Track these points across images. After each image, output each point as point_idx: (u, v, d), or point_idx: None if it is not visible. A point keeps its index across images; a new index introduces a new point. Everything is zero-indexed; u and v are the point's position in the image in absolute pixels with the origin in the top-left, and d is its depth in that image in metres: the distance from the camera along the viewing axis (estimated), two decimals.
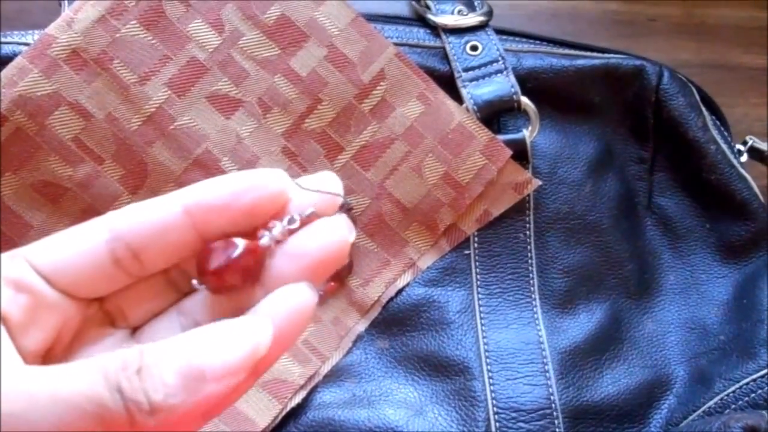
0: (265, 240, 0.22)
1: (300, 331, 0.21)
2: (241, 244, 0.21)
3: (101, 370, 0.19)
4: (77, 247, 0.21)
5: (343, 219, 0.22)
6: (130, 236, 0.21)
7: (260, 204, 0.22)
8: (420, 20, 0.42)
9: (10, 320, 0.21)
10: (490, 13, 0.42)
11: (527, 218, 0.41)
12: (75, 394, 0.18)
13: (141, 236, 0.21)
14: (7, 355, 0.20)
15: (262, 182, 0.22)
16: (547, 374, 0.38)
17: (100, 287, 0.22)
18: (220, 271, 0.21)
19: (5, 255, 0.21)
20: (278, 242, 0.22)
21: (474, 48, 0.41)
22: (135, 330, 0.23)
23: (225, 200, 0.22)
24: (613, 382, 0.39)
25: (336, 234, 0.22)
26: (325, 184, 0.23)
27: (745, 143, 0.44)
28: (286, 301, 0.21)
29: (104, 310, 0.23)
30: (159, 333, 0.23)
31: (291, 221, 0.22)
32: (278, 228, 0.22)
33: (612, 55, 0.43)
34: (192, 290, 0.23)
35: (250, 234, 0.22)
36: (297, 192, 0.23)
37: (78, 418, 0.18)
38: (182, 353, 0.19)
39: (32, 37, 0.37)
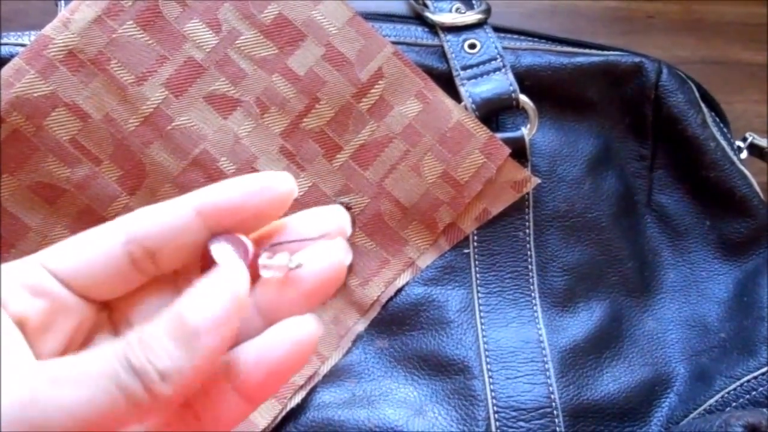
0: (262, 259, 0.22)
1: (304, 362, 0.22)
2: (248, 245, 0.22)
3: (112, 348, 0.20)
4: (95, 250, 0.22)
5: (340, 243, 0.23)
6: (146, 238, 0.22)
7: (270, 206, 0.23)
8: (418, 18, 0.42)
9: (28, 325, 0.21)
10: (488, 11, 0.42)
11: (526, 216, 0.41)
12: (96, 375, 0.20)
13: (156, 238, 0.22)
14: (19, 352, 0.21)
15: (271, 184, 0.23)
16: (547, 373, 0.38)
17: (117, 288, 0.23)
18: None
19: (19, 262, 0.22)
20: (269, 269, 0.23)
21: (472, 46, 0.41)
22: None
23: (236, 202, 0.22)
24: (613, 381, 0.39)
25: (333, 258, 0.22)
26: (332, 219, 0.23)
27: (744, 140, 0.44)
28: (290, 335, 0.22)
29: (111, 318, 0.24)
30: None
31: (296, 264, 0.22)
32: (282, 260, 0.22)
33: (611, 53, 0.43)
34: None
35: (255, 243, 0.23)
36: (305, 221, 0.23)
37: (107, 399, 0.19)
38: (172, 317, 0.20)
39: (29, 38, 0.37)
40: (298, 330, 0.22)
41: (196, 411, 0.22)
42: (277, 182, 0.23)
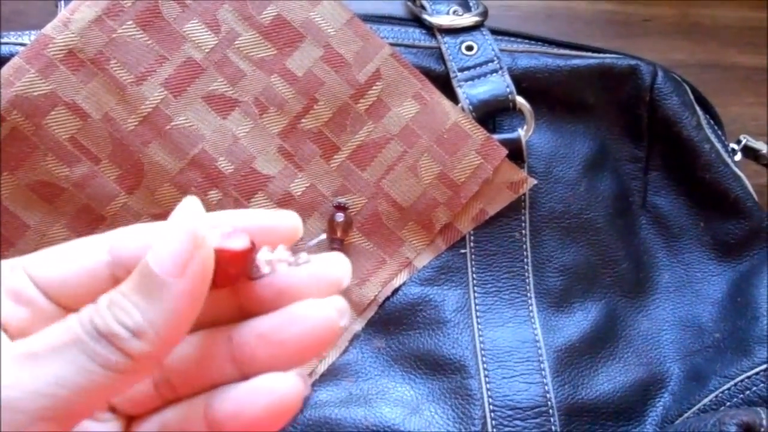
0: (263, 253, 0.21)
1: (285, 420, 0.20)
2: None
3: (76, 317, 0.19)
4: (78, 264, 0.21)
5: (336, 302, 0.21)
6: (130, 260, 0.21)
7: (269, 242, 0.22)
8: (415, 20, 0.43)
9: (8, 332, 0.21)
10: (485, 14, 0.42)
11: (523, 217, 0.41)
12: (62, 348, 0.19)
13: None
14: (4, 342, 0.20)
15: (275, 224, 0.22)
16: (543, 372, 0.39)
17: None
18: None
19: (5, 264, 0.21)
20: (270, 264, 0.22)
21: (469, 48, 0.41)
22: None
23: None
24: (608, 380, 0.39)
25: (322, 318, 0.21)
26: (332, 267, 0.22)
27: (738, 142, 0.44)
28: (271, 393, 0.20)
29: None
30: None
31: (297, 259, 0.21)
32: (283, 252, 0.21)
33: (606, 55, 0.43)
34: None
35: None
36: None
37: (79, 371, 0.18)
38: (137, 272, 0.19)
39: (29, 37, 0.37)
40: (280, 388, 0.20)
41: None
42: (281, 222, 0.22)
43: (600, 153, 0.43)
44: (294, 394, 0.20)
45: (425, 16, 0.42)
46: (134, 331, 0.19)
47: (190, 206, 0.20)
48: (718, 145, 0.43)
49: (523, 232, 0.41)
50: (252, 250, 0.21)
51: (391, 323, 0.40)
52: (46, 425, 0.18)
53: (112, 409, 0.22)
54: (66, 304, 0.22)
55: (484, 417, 0.37)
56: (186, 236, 0.19)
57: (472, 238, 0.41)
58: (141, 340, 0.19)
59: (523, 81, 0.41)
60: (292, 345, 0.21)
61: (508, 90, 0.40)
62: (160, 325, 0.19)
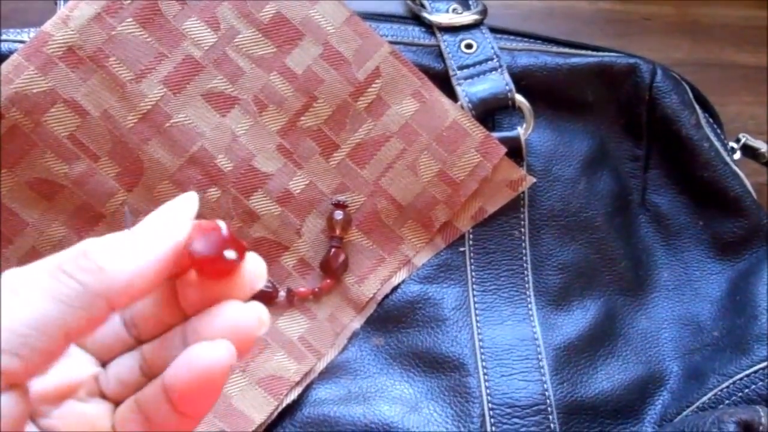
0: None
1: (216, 384, 0.22)
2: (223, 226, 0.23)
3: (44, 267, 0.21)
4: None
5: (255, 308, 0.23)
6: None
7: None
8: (415, 19, 0.43)
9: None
10: (484, 12, 0.42)
11: (522, 215, 0.41)
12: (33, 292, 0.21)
13: None
14: None
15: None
16: (542, 370, 0.39)
17: None
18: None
19: None
20: None
21: (469, 46, 0.41)
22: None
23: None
24: (607, 378, 0.39)
25: (246, 319, 0.23)
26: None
27: (738, 141, 0.44)
28: (195, 362, 0.22)
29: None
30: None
31: None
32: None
33: (606, 54, 0.43)
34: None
35: None
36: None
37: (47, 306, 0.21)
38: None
39: (28, 34, 0.37)
40: (206, 355, 0.22)
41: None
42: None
43: (599, 151, 0.43)
44: (218, 361, 0.22)
45: (425, 14, 0.42)
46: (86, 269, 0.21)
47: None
48: (717, 144, 0.43)
49: (522, 230, 0.41)
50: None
51: (390, 321, 0.40)
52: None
53: (102, 396, 0.24)
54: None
55: (483, 415, 0.37)
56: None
57: (471, 236, 0.41)
58: (90, 275, 0.21)
59: (523, 79, 0.41)
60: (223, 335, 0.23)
61: (507, 88, 0.40)
62: (113, 267, 0.21)
